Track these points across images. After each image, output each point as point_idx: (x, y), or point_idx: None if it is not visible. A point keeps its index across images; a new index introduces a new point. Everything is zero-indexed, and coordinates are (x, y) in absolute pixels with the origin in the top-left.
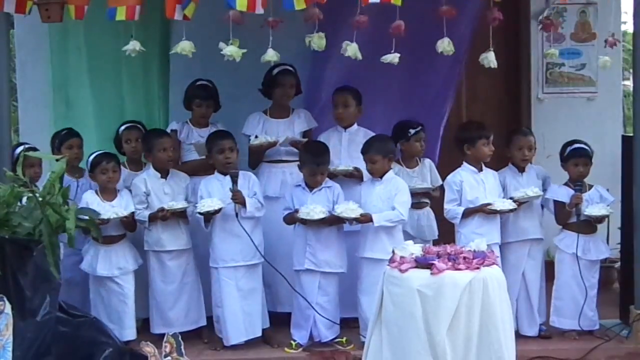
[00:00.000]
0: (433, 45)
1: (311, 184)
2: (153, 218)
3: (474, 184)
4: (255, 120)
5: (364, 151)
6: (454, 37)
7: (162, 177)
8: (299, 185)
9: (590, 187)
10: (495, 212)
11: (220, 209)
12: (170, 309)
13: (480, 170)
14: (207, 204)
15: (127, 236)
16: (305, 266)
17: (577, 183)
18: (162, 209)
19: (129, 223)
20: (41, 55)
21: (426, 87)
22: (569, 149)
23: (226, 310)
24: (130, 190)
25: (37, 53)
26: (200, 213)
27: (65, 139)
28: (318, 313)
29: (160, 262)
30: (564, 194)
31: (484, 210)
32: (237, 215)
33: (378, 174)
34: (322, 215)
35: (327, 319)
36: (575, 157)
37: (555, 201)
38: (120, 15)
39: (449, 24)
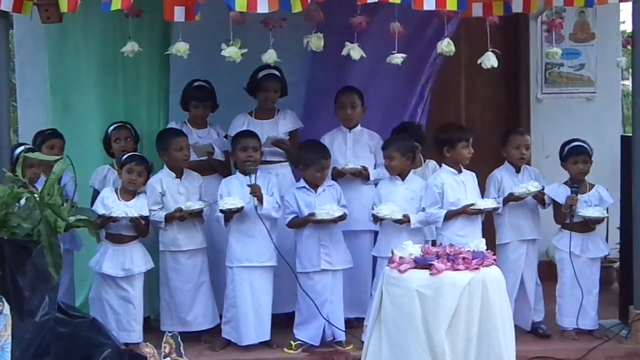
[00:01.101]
0: (417, 47)
1: (317, 182)
2: (170, 218)
3: (455, 185)
4: (240, 121)
5: (384, 147)
6: (437, 35)
7: (176, 177)
8: (302, 187)
9: (592, 187)
10: (479, 212)
11: (241, 208)
12: (189, 309)
13: (460, 171)
14: (229, 202)
15: (140, 238)
16: (321, 267)
17: (575, 185)
18: (179, 210)
19: (139, 226)
20: (40, 55)
21: (419, 87)
22: (567, 147)
23: (240, 310)
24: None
25: (36, 53)
26: (221, 211)
27: (47, 139)
28: (323, 317)
29: (177, 262)
30: (562, 194)
31: (467, 212)
32: (256, 209)
33: (395, 172)
34: (340, 213)
35: (330, 322)
36: (574, 155)
37: (553, 200)
38: (116, 4)
39: (432, 24)
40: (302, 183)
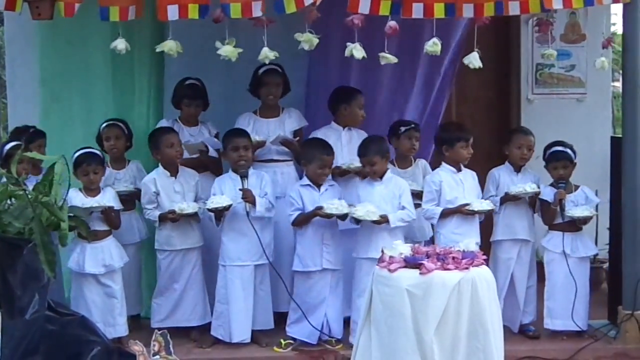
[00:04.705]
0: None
1: (318, 180)
2: (163, 218)
3: (453, 184)
4: (245, 120)
5: (361, 154)
6: (447, 38)
7: (171, 175)
8: (306, 184)
9: (577, 187)
10: (473, 212)
11: (229, 206)
12: (178, 305)
13: (459, 170)
14: (216, 201)
15: (113, 233)
16: (323, 266)
17: (561, 182)
18: (172, 212)
19: (110, 217)
20: (31, 52)
21: (421, 88)
22: (549, 151)
23: (232, 307)
24: (112, 188)
25: (26, 50)
26: (209, 210)
27: (35, 138)
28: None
29: (171, 260)
30: (548, 194)
31: (462, 211)
32: (247, 214)
33: (377, 176)
34: (347, 210)
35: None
36: (554, 161)
37: (541, 201)
38: (114, 16)
39: (442, 26)
40: (306, 181)
